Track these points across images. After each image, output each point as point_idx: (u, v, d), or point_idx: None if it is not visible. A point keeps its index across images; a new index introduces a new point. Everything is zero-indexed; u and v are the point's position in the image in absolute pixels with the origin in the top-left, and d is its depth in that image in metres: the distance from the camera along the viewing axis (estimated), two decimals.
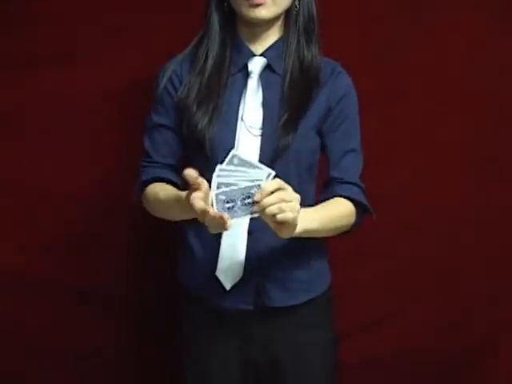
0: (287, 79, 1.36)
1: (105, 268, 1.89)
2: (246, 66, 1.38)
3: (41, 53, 1.80)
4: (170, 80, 1.41)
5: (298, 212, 1.18)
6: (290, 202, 1.15)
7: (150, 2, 1.79)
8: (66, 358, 1.90)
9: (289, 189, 1.17)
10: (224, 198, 1.15)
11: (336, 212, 1.37)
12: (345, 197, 1.38)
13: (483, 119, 1.91)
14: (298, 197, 1.18)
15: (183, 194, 1.22)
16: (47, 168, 1.83)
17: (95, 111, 1.82)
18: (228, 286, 1.37)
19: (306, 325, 1.44)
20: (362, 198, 1.40)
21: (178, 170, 1.39)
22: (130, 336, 1.94)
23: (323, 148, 1.42)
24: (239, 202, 1.16)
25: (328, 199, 1.38)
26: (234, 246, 1.36)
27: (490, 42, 1.86)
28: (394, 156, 1.89)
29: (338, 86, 1.39)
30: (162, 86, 1.41)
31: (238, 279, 1.36)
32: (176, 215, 1.34)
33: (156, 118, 1.43)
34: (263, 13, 1.31)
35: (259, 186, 1.15)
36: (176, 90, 1.40)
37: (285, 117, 1.34)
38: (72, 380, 1.91)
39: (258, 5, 1.30)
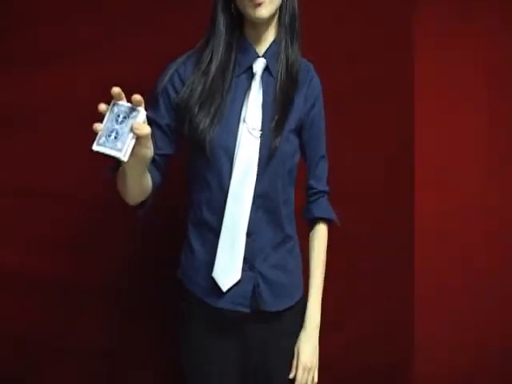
0: (278, 81, 1.41)
1: (106, 267, 1.88)
2: (250, 67, 1.42)
3: (42, 52, 1.80)
4: (171, 80, 1.43)
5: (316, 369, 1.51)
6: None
7: (153, 1, 1.79)
8: (66, 358, 1.89)
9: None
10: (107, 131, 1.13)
11: (322, 263, 1.55)
12: (321, 218, 1.55)
13: (492, 119, 1.96)
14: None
15: None
16: (47, 168, 1.83)
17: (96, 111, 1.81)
18: (225, 288, 1.39)
19: (288, 331, 1.50)
20: (331, 215, 1.56)
21: (159, 165, 1.42)
22: (131, 335, 1.93)
23: (302, 153, 1.51)
24: (117, 126, 1.13)
25: (309, 222, 1.57)
26: (232, 247, 1.37)
27: (500, 40, 1.91)
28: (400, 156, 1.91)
29: (312, 91, 1.46)
30: (162, 84, 1.43)
31: (235, 281, 1.39)
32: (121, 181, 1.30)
33: (149, 114, 1.41)
34: (263, 12, 1.36)
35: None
36: (176, 90, 1.41)
37: (275, 119, 1.39)
38: (72, 379, 1.91)
39: (259, 4, 1.35)
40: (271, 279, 1.44)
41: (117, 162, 1.30)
